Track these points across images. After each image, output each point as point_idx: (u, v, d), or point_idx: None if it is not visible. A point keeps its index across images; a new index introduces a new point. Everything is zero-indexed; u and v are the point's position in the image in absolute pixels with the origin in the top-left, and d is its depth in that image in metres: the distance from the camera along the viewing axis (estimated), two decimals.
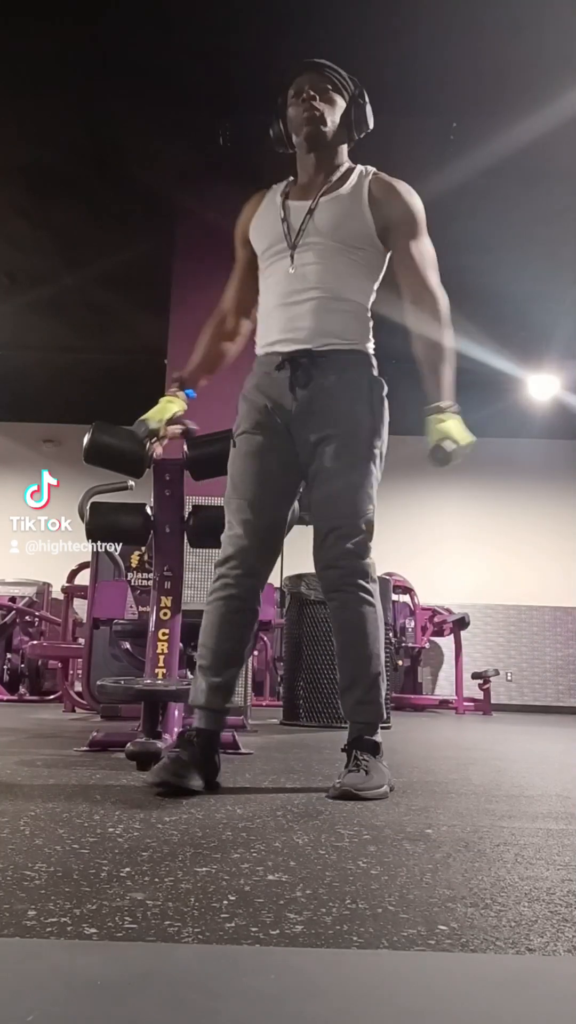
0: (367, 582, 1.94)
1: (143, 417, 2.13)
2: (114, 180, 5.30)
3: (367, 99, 2.06)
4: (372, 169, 2.08)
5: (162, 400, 2.16)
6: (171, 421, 2.14)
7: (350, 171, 2.06)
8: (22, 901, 0.90)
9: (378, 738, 1.94)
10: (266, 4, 3.86)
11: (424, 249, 2.09)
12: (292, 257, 1.99)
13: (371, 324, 2.08)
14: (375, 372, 2.04)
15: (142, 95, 4.51)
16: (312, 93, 1.99)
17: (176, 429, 2.17)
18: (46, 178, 5.36)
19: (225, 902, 0.92)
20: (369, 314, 2.08)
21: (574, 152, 4.95)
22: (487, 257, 6.10)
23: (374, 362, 2.05)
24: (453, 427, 1.96)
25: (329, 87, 2.02)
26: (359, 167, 2.08)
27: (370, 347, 2.06)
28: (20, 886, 0.96)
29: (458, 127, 4.64)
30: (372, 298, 2.09)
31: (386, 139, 4.78)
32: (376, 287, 2.11)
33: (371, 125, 2.08)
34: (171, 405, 2.15)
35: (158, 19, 4.03)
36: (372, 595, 1.95)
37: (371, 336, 2.07)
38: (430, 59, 4.18)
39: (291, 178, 2.12)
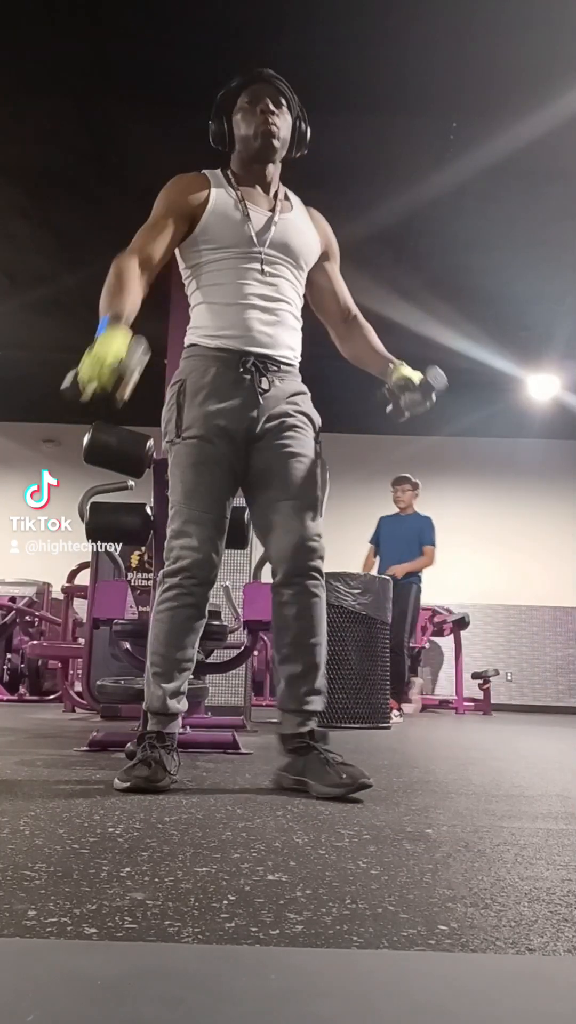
0: (320, 574, 2.00)
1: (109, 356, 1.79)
2: (114, 180, 5.30)
3: (307, 120, 2.12)
4: (295, 196, 2.18)
5: (107, 335, 1.84)
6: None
7: (286, 193, 2.16)
8: (22, 901, 0.90)
9: None
10: (266, 4, 3.86)
11: (341, 278, 2.25)
12: (262, 264, 2.02)
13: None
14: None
15: (142, 95, 4.51)
16: (271, 107, 2.03)
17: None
18: (46, 178, 5.36)
19: (225, 902, 0.92)
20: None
21: (574, 152, 4.95)
22: (487, 257, 6.10)
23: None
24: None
25: (283, 102, 2.06)
26: (287, 190, 2.17)
27: (299, 362, 2.15)
28: (20, 886, 0.96)
29: (458, 127, 4.64)
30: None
31: (386, 139, 4.81)
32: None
33: (307, 149, 2.15)
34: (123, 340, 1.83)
35: (158, 19, 4.03)
36: (324, 583, 2.01)
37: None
38: (430, 59, 4.18)
39: (229, 170, 2.12)
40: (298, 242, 2.08)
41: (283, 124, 2.06)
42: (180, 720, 2.00)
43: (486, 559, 9.67)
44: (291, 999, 0.66)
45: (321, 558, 1.98)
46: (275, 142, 2.05)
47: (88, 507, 2.88)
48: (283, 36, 3.79)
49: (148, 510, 2.79)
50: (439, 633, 8.39)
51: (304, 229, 2.12)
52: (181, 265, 2.18)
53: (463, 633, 7.86)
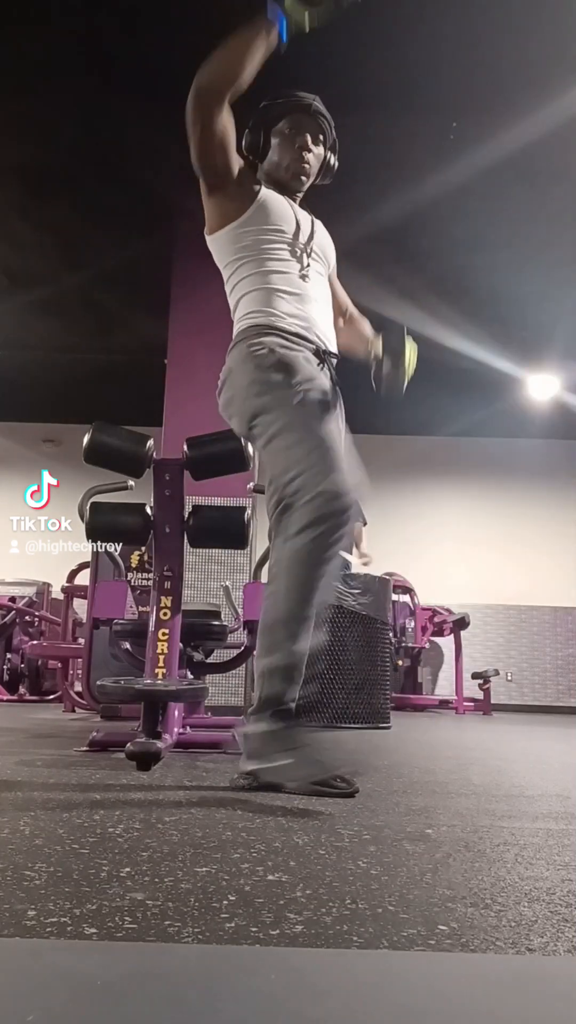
0: None
1: None
2: (114, 180, 5.30)
3: (337, 152, 2.15)
4: None
5: None
6: None
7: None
8: (22, 901, 0.90)
9: None
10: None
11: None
12: (305, 264, 2.05)
13: None
14: None
15: (142, 95, 4.51)
16: (309, 144, 2.07)
17: None
18: (46, 178, 5.36)
19: (225, 902, 0.92)
20: None
21: (574, 152, 4.95)
22: (487, 257, 6.10)
23: None
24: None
25: (321, 138, 2.09)
26: None
27: None
28: (20, 886, 0.96)
29: (458, 127, 4.64)
30: None
31: (386, 139, 4.81)
32: None
33: (331, 179, 2.20)
34: None
35: (158, 19, 4.03)
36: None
37: None
38: (430, 59, 4.18)
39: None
40: (328, 249, 2.17)
41: (316, 160, 2.10)
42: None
43: (486, 559, 9.68)
44: (291, 999, 0.66)
45: None
46: (303, 179, 2.11)
47: (88, 507, 2.88)
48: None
49: (148, 510, 2.80)
50: (439, 633, 8.39)
51: (328, 237, 2.19)
52: (229, 246, 2.08)
53: (463, 633, 7.86)
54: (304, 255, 2.05)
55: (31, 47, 4.24)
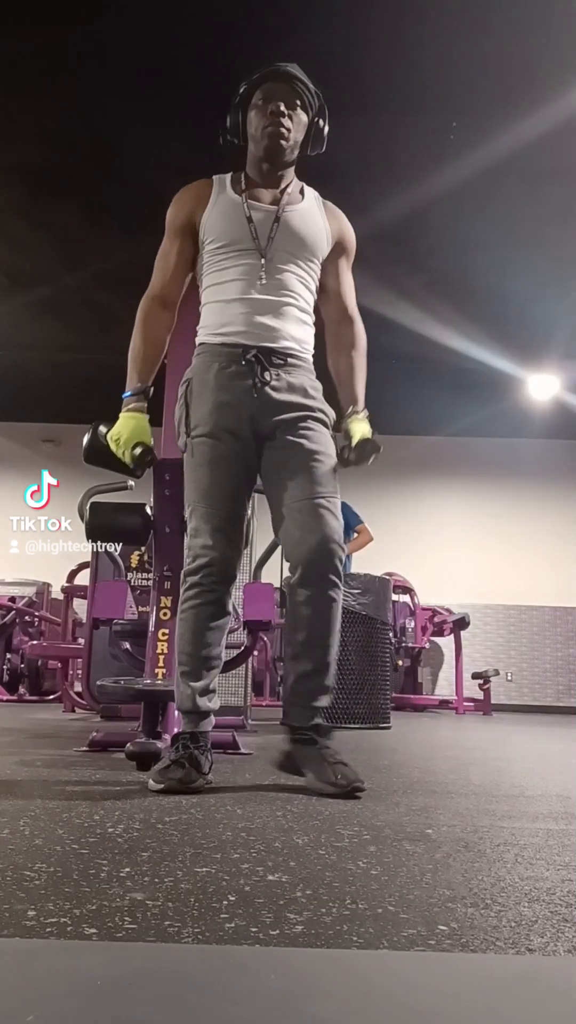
0: (341, 569, 1.98)
1: (135, 441, 2.05)
2: (114, 180, 5.30)
3: (327, 118, 2.09)
4: (313, 191, 2.16)
5: (135, 419, 2.09)
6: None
7: (301, 188, 2.14)
8: (22, 901, 0.90)
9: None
10: (267, 3, 3.86)
11: (351, 276, 2.21)
12: (263, 260, 2.00)
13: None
14: (315, 378, 2.11)
15: (142, 95, 4.51)
16: (282, 108, 2.00)
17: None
18: (46, 178, 5.36)
19: (225, 902, 0.92)
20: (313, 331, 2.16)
21: (574, 152, 4.95)
22: (487, 257, 6.10)
23: (314, 370, 2.12)
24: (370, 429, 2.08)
25: (298, 103, 2.03)
26: (304, 184, 2.15)
27: (311, 355, 2.12)
28: (20, 886, 0.96)
29: (458, 127, 4.64)
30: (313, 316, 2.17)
31: (387, 139, 4.81)
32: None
33: (324, 147, 2.12)
34: (145, 429, 2.09)
35: (158, 18, 4.03)
36: (342, 585, 1.99)
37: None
38: (431, 59, 4.18)
39: (240, 173, 2.12)
40: (305, 233, 2.05)
41: (295, 125, 2.03)
42: (213, 719, 1.99)
43: (486, 559, 9.68)
44: (291, 999, 0.66)
45: (341, 560, 1.96)
46: (282, 143, 2.02)
47: (88, 507, 2.88)
48: (283, 36, 3.78)
49: (148, 510, 2.80)
50: (439, 633, 8.39)
51: (313, 220, 2.08)
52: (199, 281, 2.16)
53: (463, 633, 7.86)
54: (260, 254, 1.99)
55: (31, 47, 4.23)
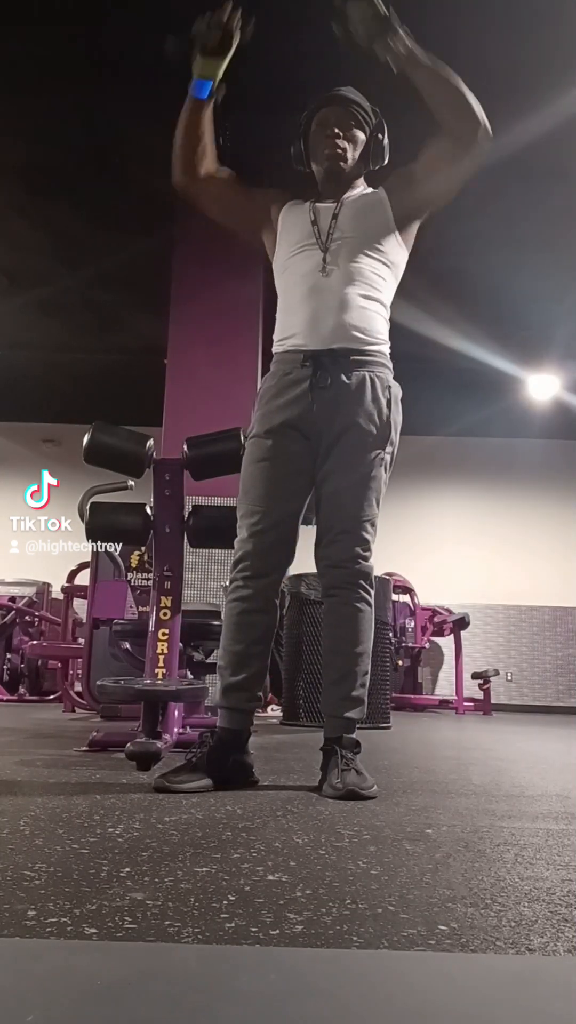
0: (368, 583, 2.00)
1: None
2: (114, 180, 5.30)
3: (386, 133, 2.13)
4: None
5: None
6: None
7: (364, 189, 2.17)
8: (22, 901, 0.90)
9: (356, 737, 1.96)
10: (265, 4, 3.85)
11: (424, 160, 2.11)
12: (324, 257, 2.02)
13: (388, 326, 2.11)
14: (391, 374, 2.07)
15: (142, 95, 4.50)
16: (337, 131, 2.07)
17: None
18: (46, 178, 5.36)
19: (225, 902, 0.92)
20: (388, 314, 2.11)
21: (574, 152, 4.95)
22: (487, 257, 6.10)
23: (390, 364, 2.08)
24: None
25: (352, 123, 2.09)
26: (368, 187, 2.17)
27: (387, 348, 2.09)
28: (20, 886, 0.96)
29: None
30: (391, 298, 2.13)
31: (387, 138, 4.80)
32: (395, 287, 2.16)
33: (387, 159, 2.15)
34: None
35: (158, 18, 4.03)
36: (371, 596, 2.00)
37: (388, 337, 2.10)
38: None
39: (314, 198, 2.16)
40: (357, 215, 2.06)
41: (351, 144, 2.09)
42: (249, 717, 1.98)
43: (486, 559, 9.68)
44: (291, 999, 0.66)
45: (368, 574, 1.99)
46: (342, 164, 2.09)
47: (88, 507, 2.88)
48: (283, 36, 3.78)
49: (148, 510, 2.80)
50: (439, 633, 8.39)
51: (368, 201, 2.09)
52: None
53: (463, 633, 7.86)
54: (325, 250, 2.02)
55: (31, 47, 4.23)
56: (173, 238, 5.60)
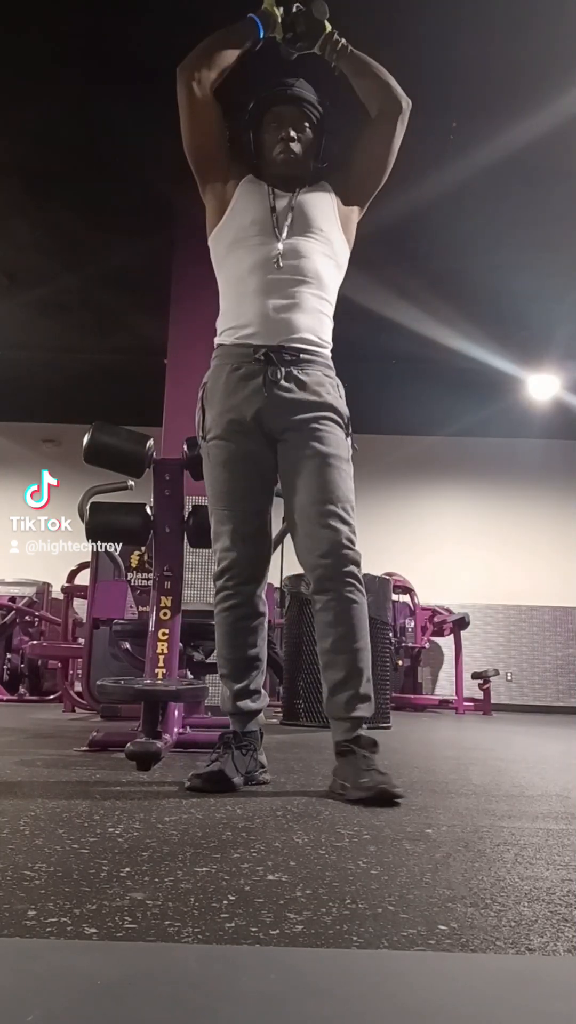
0: (358, 571, 1.94)
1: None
2: (114, 180, 5.30)
3: (334, 130, 2.12)
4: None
5: None
6: None
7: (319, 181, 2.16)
8: (22, 901, 0.90)
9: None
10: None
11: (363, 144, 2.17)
12: (279, 250, 1.99)
13: (332, 327, 2.11)
14: (334, 373, 2.07)
15: (142, 95, 4.50)
16: (292, 134, 2.06)
17: None
18: (45, 178, 5.36)
19: (225, 902, 0.92)
20: (332, 313, 2.10)
21: (574, 152, 4.95)
22: (487, 257, 6.10)
23: (333, 367, 2.08)
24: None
25: (306, 123, 2.08)
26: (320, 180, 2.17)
27: (330, 351, 2.08)
28: (20, 886, 0.96)
29: (458, 127, 4.64)
30: (335, 297, 2.11)
31: None
32: (338, 286, 2.13)
33: (327, 161, 2.15)
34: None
35: (158, 18, 4.03)
36: (363, 586, 1.95)
37: (331, 340, 2.10)
38: (430, 59, 4.17)
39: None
40: (310, 208, 2.05)
41: (304, 145, 2.08)
42: (262, 717, 2.00)
43: (486, 559, 9.68)
44: (291, 999, 0.66)
45: (356, 563, 1.92)
46: (296, 168, 2.07)
47: (88, 507, 2.88)
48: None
49: (148, 510, 2.80)
50: (439, 633, 8.39)
51: (318, 192, 2.09)
52: (213, 252, 2.14)
53: (463, 633, 7.86)
54: (279, 239, 1.99)
55: (31, 47, 4.23)
56: (173, 238, 5.60)
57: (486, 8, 3.98)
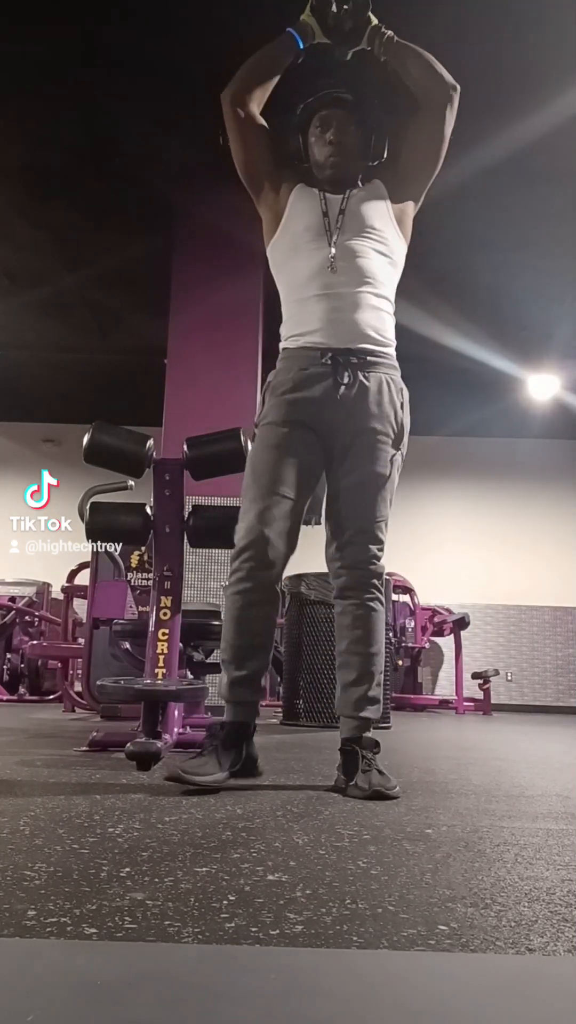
0: (380, 584, 2.02)
1: None
2: (114, 180, 5.30)
3: (386, 129, 2.13)
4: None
5: None
6: None
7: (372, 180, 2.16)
8: (22, 901, 0.90)
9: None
10: (264, 4, 3.86)
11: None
12: (332, 253, 2.01)
13: (394, 323, 2.12)
14: (399, 376, 2.08)
15: (142, 95, 4.50)
16: (338, 138, 2.07)
17: None
18: (46, 178, 5.35)
19: (225, 902, 0.92)
20: (393, 310, 2.12)
21: (574, 152, 4.95)
22: (487, 257, 6.10)
23: (398, 366, 2.09)
24: None
25: (352, 126, 2.09)
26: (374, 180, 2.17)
27: (393, 347, 2.09)
28: (20, 886, 0.96)
29: (458, 127, 4.64)
30: (394, 293, 2.13)
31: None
32: (396, 283, 2.14)
33: (386, 154, 2.15)
34: None
35: (158, 18, 4.03)
36: (383, 596, 2.02)
37: (395, 337, 2.11)
38: None
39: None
40: (361, 207, 2.05)
41: (350, 146, 2.09)
42: (255, 709, 1.98)
43: (486, 559, 9.67)
44: (291, 999, 0.66)
45: (379, 576, 2.00)
46: (342, 172, 2.08)
47: (88, 507, 2.88)
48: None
49: (148, 510, 2.80)
50: (439, 633, 8.39)
51: (369, 195, 2.08)
52: (272, 263, 2.16)
53: (463, 633, 7.86)
54: (332, 242, 2.01)
55: (31, 47, 4.23)
56: (173, 238, 5.60)
57: (486, 9, 3.98)
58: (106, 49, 4.26)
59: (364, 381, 1.98)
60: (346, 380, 1.96)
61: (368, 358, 1.99)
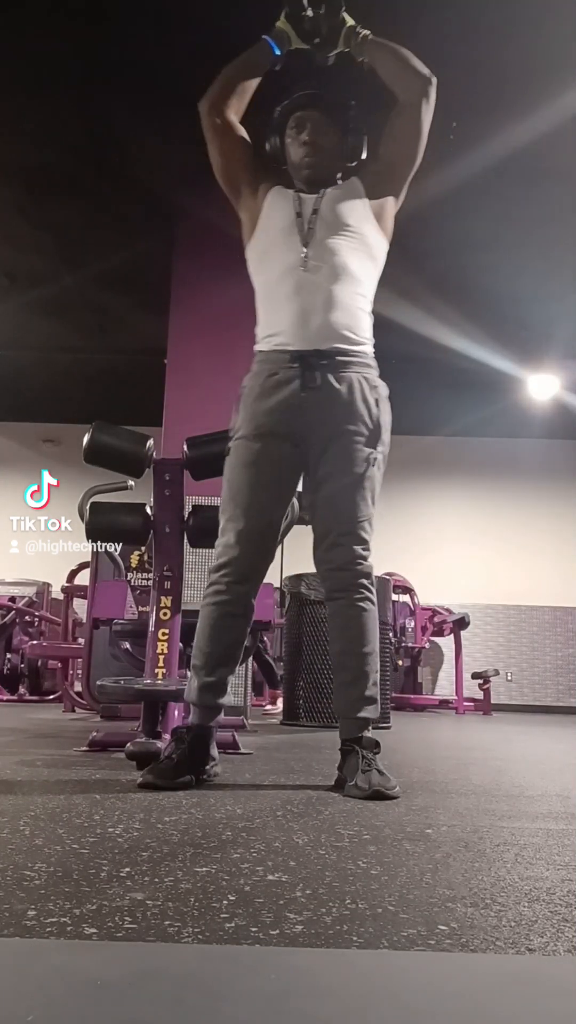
0: (369, 583, 2.01)
1: None
2: (114, 180, 5.30)
3: (363, 129, 2.13)
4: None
5: None
6: None
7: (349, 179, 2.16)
8: (22, 901, 0.90)
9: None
10: (264, 4, 3.86)
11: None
12: (305, 252, 2.00)
13: (372, 322, 2.08)
14: (377, 374, 2.06)
15: (142, 95, 4.50)
16: (313, 138, 2.08)
17: None
18: (46, 178, 5.35)
19: (225, 902, 0.92)
20: (371, 308, 2.09)
21: (574, 152, 4.95)
22: (487, 257, 6.10)
23: (375, 364, 2.06)
24: None
25: (328, 127, 2.10)
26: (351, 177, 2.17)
27: (371, 348, 2.07)
28: (20, 886, 0.96)
29: (458, 127, 4.64)
30: (373, 293, 2.10)
31: None
32: (377, 281, 2.12)
33: (364, 155, 2.16)
34: None
35: (158, 19, 4.03)
36: (374, 595, 2.02)
37: (372, 335, 2.08)
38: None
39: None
40: (335, 204, 2.04)
41: (326, 146, 2.09)
42: (219, 714, 2.00)
43: (486, 559, 9.68)
44: (291, 999, 0.66)
45: (367, 575, 1.99)
46: (318, 172, 2.09)
47: (88, 507, 2.88)
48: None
49: (148, 510, 2.79)
50: (439, 633, 8.40)
51: (345, 192, 2.08)
52: (249, 265, 2.16)
53: (463, 633, 7.86)
54: (305, 242, 2.00)
55: (31, 47, 4.23)
56: (173, 238, 5.60)
57: (486, 8, 3.98)
58: (107, 49, 4.26)
59: (334, 383, 1.96)
60: (313, 383, 1.95)
61: (338, 358, 1.97)
